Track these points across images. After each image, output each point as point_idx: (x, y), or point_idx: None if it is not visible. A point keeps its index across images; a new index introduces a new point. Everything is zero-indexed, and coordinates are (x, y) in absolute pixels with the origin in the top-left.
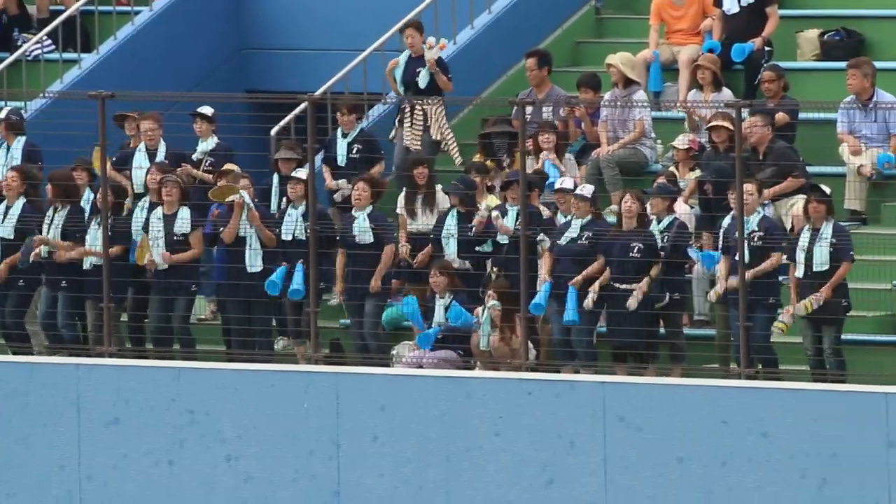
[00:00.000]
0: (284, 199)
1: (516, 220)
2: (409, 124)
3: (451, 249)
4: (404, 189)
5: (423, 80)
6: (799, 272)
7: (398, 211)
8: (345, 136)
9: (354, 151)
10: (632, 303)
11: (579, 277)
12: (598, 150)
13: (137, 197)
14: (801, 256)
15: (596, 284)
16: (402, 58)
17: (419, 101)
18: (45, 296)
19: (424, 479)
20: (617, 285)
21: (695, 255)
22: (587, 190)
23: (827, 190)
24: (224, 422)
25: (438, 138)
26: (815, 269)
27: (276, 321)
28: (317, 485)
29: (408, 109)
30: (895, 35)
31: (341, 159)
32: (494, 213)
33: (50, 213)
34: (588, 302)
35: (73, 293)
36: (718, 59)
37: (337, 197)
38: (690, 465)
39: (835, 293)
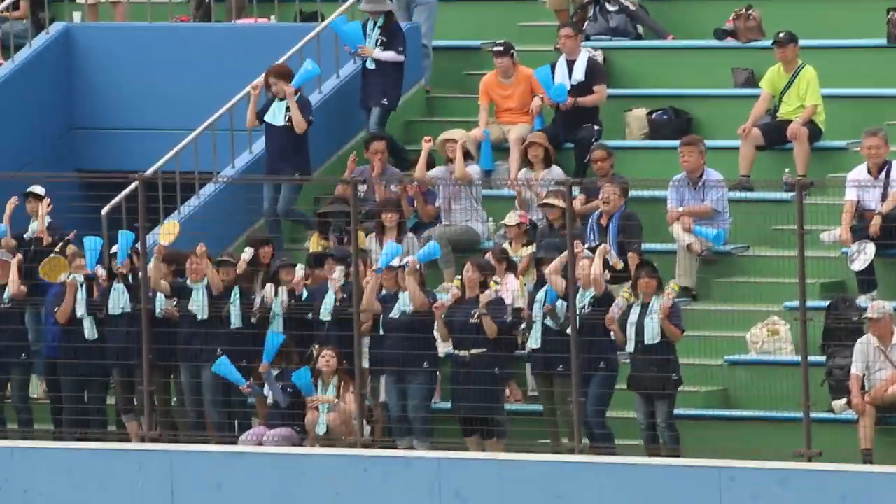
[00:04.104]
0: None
1: (335, 299)
2: None
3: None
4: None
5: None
6: (630, 347)
7: None
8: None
9: None
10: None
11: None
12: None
13: None
14: (631, 332)
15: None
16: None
17: None
18: None
19: None
20: (457, 352)
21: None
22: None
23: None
24: (58, 501)
25: None
26: (646, 343)
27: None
28: None
29: None
30: (721, 114)
31: None
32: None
33: None
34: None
35: None
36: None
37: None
38: None
39: (664, 367)
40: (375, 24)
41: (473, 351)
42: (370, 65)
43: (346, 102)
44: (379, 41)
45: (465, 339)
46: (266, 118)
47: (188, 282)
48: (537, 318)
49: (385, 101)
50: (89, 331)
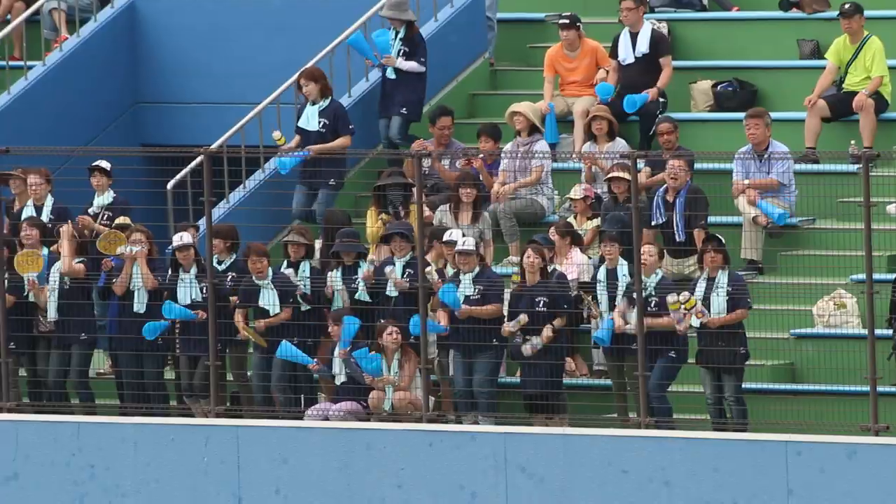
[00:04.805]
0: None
1: (402, 273)
2: None
3: (337, 303)
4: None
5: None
6: (696, 321)
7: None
8: None
9: None
10: (526, 349)
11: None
12: (495, 193)
13: None
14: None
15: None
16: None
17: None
18: None
19: None
20: (527, 337)
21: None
22: (469, 243)
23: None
24: (125, 476)
25: None
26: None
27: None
28: None
29: None
30: (787, 86)
31: None
32: (389, 268)
33: None
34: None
35: None
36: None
37: None
38: None
39: (732, 341)
40: (397, 34)
41: (536, 343)
42: (391, 74)
43: (364, 116)
44: (401, 52)
45: (530, 330)
46: (300, 123)
47: (254, 278)
48: (602, 298)
49: (404, 110)
50: (139, 305)
